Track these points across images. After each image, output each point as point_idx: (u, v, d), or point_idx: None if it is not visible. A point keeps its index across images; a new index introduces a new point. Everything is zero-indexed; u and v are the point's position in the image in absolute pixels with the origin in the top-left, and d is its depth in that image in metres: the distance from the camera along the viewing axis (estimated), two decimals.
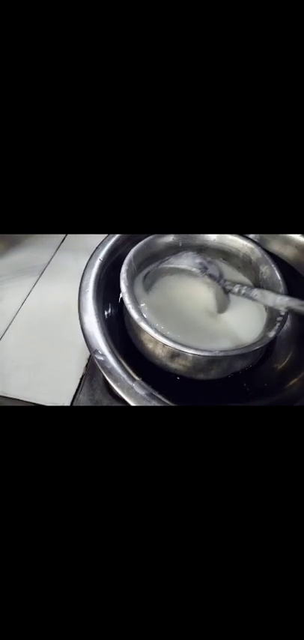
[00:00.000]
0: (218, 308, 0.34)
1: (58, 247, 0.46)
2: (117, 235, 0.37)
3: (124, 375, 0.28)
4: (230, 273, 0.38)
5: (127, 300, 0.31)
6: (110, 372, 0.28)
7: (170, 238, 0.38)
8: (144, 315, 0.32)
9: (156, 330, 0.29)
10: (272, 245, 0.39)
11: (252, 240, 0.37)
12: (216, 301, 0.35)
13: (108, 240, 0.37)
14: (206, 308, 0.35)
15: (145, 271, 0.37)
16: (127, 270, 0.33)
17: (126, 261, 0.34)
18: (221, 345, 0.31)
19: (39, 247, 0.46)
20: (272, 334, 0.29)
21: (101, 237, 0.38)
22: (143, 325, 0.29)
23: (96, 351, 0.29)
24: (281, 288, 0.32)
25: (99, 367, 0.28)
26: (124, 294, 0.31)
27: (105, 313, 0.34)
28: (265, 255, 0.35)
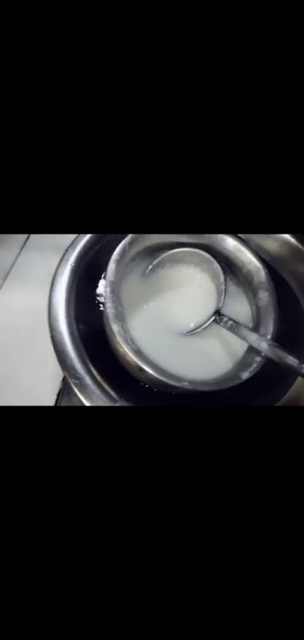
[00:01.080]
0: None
1: (23, 246, 0.42)
2: (88, 235, 0.34)
3: (105, 397, 0.26)
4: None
5: (108, 295, 0.28)
6: (89, 396, 0.26)
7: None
8: (125, 315, 0.30)
9: (127, 342, 0.27)
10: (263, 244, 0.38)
11: (263, 260, 0.33)
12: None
13: (79, 241, 0.34)
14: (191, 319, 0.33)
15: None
16: (118, 261, 0.30)
17: (118, 250, 0.30)
18: (193, 365, 0.30)
19: (1, 247, 0.41)
20: (244, 375, 0.27)
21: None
22: (114, 327, 0.27)
23: (71, 374, 0.27)
24: (272, 324, 0.30)
25: (76, 391, 0.26)
26: (108, 284, 0.29)
27: (80, 324, 0.31)
28: (270, 282, 0.32)
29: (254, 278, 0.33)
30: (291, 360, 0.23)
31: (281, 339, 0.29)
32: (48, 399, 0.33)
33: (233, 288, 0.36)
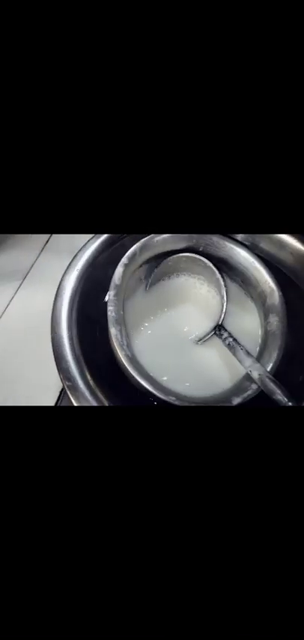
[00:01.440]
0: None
1: (43, 249, 0.44)
2: (97, 242, 0.35)
3: (94, 402, 0.27)
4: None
5: (111, 297, 0.29)
6: (78, 398, 0.27)
7: (186, 236, 0.33)
8: (126, 320, 0.30)
9: (122, 346, 0.27)
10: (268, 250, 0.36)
11: (278, 282, 0.31)
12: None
13: (88, 246, 0.35)
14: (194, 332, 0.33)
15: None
16: (126, 265, 0.30)
17: (128, 254, 0.31)
18: (190, 378, 0.29)
19: (22, 249, 0.44)
20: (236, 401, 0.25)
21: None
22: (112, 330, 0.28)
23: (65, 376, 0.28)
24: (276, 353, 0.28)
25: (68, 393, 0.27)
26: (112, 287, 0.29)
27: (81, 328, 0.32)
28: (282, 307, 0.30)
29: (267, 299, 0.31)
30: (280, 396, 0.21)
31: (285, 367, 0.28)
32: (50, 396, 0.35)
33: (246, 300, 0.35)
